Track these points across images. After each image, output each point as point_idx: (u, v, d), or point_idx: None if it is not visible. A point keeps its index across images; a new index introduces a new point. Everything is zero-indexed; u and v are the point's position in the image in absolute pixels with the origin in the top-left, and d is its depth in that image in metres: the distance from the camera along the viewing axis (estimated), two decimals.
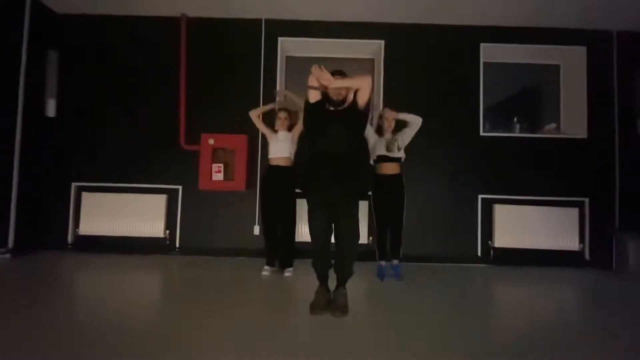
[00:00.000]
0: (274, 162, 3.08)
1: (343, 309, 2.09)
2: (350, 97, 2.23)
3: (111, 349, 1.53)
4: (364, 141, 2.31)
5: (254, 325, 1.89)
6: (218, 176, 3.68)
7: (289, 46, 4.06)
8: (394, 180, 3.03)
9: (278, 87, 3.84)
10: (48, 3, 3.72)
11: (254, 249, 3.64)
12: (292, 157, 3.10)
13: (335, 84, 2.09)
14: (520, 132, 4.04)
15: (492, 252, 3.79)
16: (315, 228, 2.15)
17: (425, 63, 3.95)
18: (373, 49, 4.03)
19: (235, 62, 3.92)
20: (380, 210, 3.06)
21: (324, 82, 2.11)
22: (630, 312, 2.37)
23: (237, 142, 3.70)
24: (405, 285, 2.83)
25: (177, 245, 3.81)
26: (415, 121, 3.05)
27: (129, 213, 3.77)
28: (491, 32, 3.93)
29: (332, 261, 2.24)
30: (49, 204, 3.80)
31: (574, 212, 3.79)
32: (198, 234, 3.81)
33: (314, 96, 2.24)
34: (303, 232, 3.58)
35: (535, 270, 3.55)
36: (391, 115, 3.08)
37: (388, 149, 2.99)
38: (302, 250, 3.17)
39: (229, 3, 3.64)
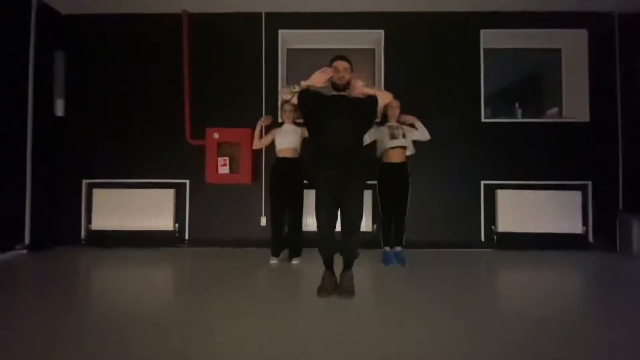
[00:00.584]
0: (281, 155, 3.14)
1: (349, 291, 2.16)
2: (357, 86, 2.28)
3: (129, 339, 1.58)
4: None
5: (264, 310, 1.97)
6: (224, 169, 3.76)
7: (289, 38, 4.09)
8: (399, 168, 3.08)
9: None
10: (53, 4, 3.79)
11: (261, 240, 3.72)
12: (299, 149, 3.16)
13: (362, 89, 2.25)
14: (522, 117, 4.06)
15: (495, 236, 3.84)
16: (322, 215, 2.20)
17: (425, 51, 3.97)
18: (373, 38, 4.06)
19: (236, 56, 3.98)
20: (385, 198, 3.12)
21: (356, 88, 2.26)
22: (636, 292, 2.38)
23: (242, 135, 3.76)
24: (410, 271, 2.89)
25: (187, 237, 3.91)
26: (423, 137, 3.19)
27: (138, 208, 3.87)
28: (491, 18, 3.93)
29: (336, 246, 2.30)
30: (61, 201, 3.92)
31: (577, 195, 3.82)
32: (206, 226, 3.91)
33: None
34: (310, 223, 3.64)
35: (539, 253, 3.60)
36: (408, 120, 3.19)
37: (392, 136, 3.04)
38: (308, 240, 3.24)
39: None
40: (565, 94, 4.20)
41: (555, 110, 4.08)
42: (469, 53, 3.95)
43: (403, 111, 3.22)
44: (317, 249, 2.29)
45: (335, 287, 2.25)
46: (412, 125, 3.17)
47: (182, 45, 3.91)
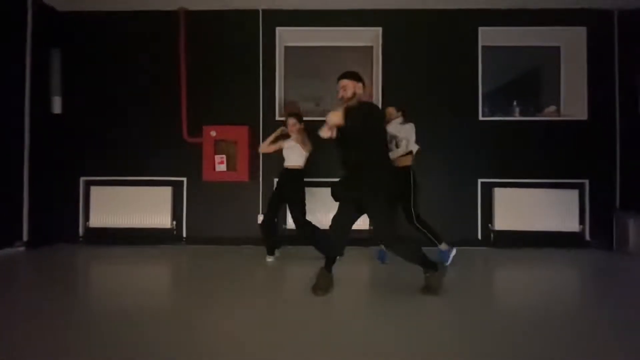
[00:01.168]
0: (285, 165, 3.20)
1: (430, 290, 2.21)
2: (357, 92, 2.23)
3: (125, 335, 1.61)
4: (380, 137, 2.26)
5: (259, 308, 1.99)
6: (221, 167, 3.76)
7: (287, 36, 4.08)
8: (399, 173, 2.92)
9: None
10: (49, 1, 3.78)
11: (258, 238, 3.73)
12: (301, 162, 3.15)
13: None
14: (520, 115, 4.05)
15: (492, 235, 3.85)
16: (336, 220, 2.24)
17: (423, 49, 3.95)
18: (371, 36, 4.04)
19: (234, 54, 3.97)
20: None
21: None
22: (632, 292, 2.39)
23: (239, 133, 3.77)
24: (405, 269, 2.89)
25: (184, 235, 3.93)
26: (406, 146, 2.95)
27: (136, 205, 3.88)
28: (489, 15, 3.91)
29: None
30: (59, 199, 3.93)
31: (574, 193, 3.82)
32: (203, 224, 3.92)
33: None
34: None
35: (536, 252, 3.61)
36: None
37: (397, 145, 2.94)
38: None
39: None
40: (563, 92, 4.19)
41: (553, 108, 4.07)
42: (467, 51, 3.93)
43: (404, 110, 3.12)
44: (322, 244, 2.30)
45: (331, 286, 2.26)
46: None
47: (179, 42, 3.90)
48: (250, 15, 3.94)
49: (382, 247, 3.17)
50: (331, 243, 2.31)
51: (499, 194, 3.83)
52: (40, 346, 1.49)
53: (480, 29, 3.91)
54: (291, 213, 3.16)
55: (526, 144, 3.89)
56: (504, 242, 3.82)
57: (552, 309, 1.98)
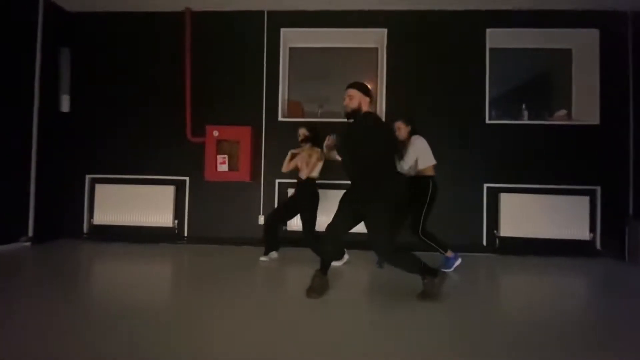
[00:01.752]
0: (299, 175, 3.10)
1: (428, 297, 2.16)
2: (363, 107, 2.19)
3: (124, 329, 1.64)
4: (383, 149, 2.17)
5: (253, 308, 1.96)
6: (223, 167, 3.77)
7: (291, 37, 4.07)
8: (419, 180, 2.89)
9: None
10: (59, 1, 3.86)
11: (258, 238, 3.72)
12: (309, 174, 3.02)
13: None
14: (529, 119, 3.94)
15: (497, 241, 3.74)
16: (333, 224, 2.19)
17: (429, 51, 3.89)
18: (376, 37, 4.00)
19: (238, 55, 3.98)
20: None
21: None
22: None
23: (241, 133, 3.77)
24: (407, 274, 2.83)
25: (185, 234, 3.94)
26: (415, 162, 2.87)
27: (139, 203, 3.91)
28: (498, 17, 3.83)
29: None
30: (65, 195, 3.99)
31: (585, 200, 3.69)
32: (205, 224, 3.93)
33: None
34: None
35: (543, 260, 3.49)
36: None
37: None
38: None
39: None
40: (574, 96, 4.07)
41: (563, 112, 3.95)
42: (474, 53, 3.86)
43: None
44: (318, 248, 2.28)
45: (325, 289, 2.22)
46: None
47: (184, 43, 3.93)
48: (255, 16, 3.95)
49: None
50: (326, 247, 2.28)
51: (505, 199, 3.73)
52: (41, 337, 1.53)
53: (488, 30, 3.83)
54: (302, 226, 3.07)
55: (535, 148, 3.78)
56: (510, 249, 3.71)
57: (557, 323, 1.88)
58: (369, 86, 2.26)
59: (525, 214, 3.69)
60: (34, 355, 1.39)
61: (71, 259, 3.16)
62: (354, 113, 2.19)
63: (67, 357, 1.37)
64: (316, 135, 3.09)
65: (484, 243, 3.77)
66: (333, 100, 4.11)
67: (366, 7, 3.85)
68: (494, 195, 3.78)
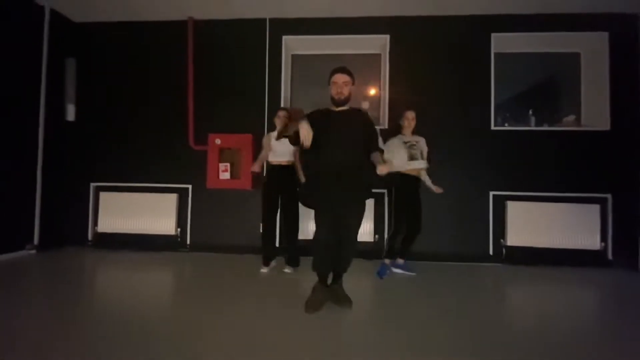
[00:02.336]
0: (274, 162, 3.08)
1: (347, 300, 2.17)
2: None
3: (126, 340, 1.66)
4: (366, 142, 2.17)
5: (253, 320, 1.93)
6: (225, 175, 3.76)
7: (293, 44, 4.06)
8: (418, 181, 3.05)
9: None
10: (65, 13, 3.92)
11: (260, 247, 3.68)
12: (292, 157, 3.07)
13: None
14: (536, 125, 3.85)
15: (504, 250, 3.65)
16: (321, 233, 2.07)
17: (432, 56, 3.84)
18: (379, 43, 3.96)
19: (240, 62, 3.98)
20: (402, 208, 2.99)
21: None
22: None
23: (243, 141, 3.76)
24: (413, 285, 2.78)
25: (188, 242, 3.94)
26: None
27: (142, 211, 3.93)
28: (502, 21, 3.76)
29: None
30: (70, 203, 4.03)
31: (595, 208, 3.58)
32: (207, 232, 3.92)
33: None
34: (307, 230, 3.59)
35: (552, 270, 3.39)
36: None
37: (411, 157, 2.96)
38: (304, 246, 3.18)
39: (234, 4, 3.69)
40: (583, 101, 3.96)
41: (572, 117, 3.85)
42: (478, 58, 3.79)
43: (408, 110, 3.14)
44: (312, 263, 2.18)
45: (325, 302, 2.18)
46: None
47: (187, 52, 3.95)
48: (257, 24, 3.95)
49: (385, 261, 3.06)
50: (320, 260, 2.14)
51: (512, 207, 3.64)
52: (47, 347, 1.57)
53: (493, 35, 3.76)
54: (287, 220, 3.09)
55: (543, 155, 3.69)
56: (517, 258, 3.62)
57: (566, 337, 1.81)
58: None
59: (533, 223, 3.59)
60: None
61: (76, 267, 3.18)
62: (346, 102, 2.14)
63: None
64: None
65: (491, 253, 3.68)
66: None
67: (368, 14, 3.82)
68: (500, 204, 3.69)
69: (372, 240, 3.69)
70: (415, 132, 3.13)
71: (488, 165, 3.72)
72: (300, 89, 4.24)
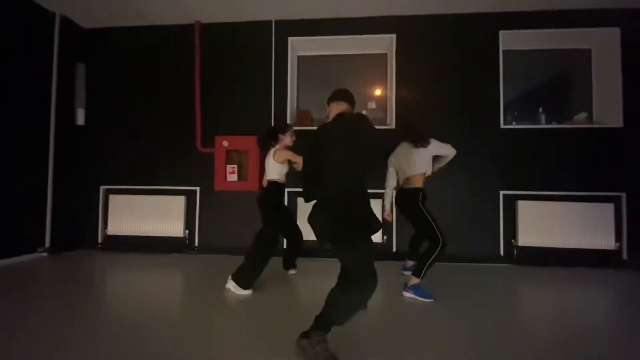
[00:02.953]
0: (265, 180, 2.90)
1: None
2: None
3: (137, 340, 1.68)
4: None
5: (262, 321, 1.92)
6: (232, 177, 3.77)
7: (299, 45, 4.07)
8: (403, 196, 2.73)
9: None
10: (75, 19, 3.99)
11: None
12: (273, 177, 2.84)
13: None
14: (547, 123, 3.79)
15: (515, 251, 3.59)
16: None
17: (439, 55, 3.80)
18: (385, 43, 3.95)
19: (247, 65, 4.00)
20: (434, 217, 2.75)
21: None
22: None
23: (250, 143, 3.76)
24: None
25: (196, 244, 3.95)
26: (450, 154, 2.75)
27: (151, 214, 3.96)
28: (510, 18, 3.71)
29: None
30: (80, 206, 4.08)
31: (609, 207, 3.50)
32: (215, 234, 3.93)
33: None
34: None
35: (565, 271, 3.31)
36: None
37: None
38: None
39: (240, 7, 3.71)
40: (595, 98, 3.88)
41: (583, 115, 3.77)
42: (486, 56, 3.75)
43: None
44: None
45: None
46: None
47: (194, 55, 3.98)
48: (263, 26, 3.97)
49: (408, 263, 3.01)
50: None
51: (522, 207, 3.58)
52: (58, 347, 1.60)
53: (501, 32, 3.72)
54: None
55: (554, 153, 3.63)
56: (529, 259, 3.55)
57: (579, 339, 1.77)
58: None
59: (544, 223, 3.53)
60: None
61: (87, 270, 3.22)
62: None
63: None
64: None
65: (502, 253, 3.62)
66: None
67: (373, 14, 3.81)
68: (511, 203, 3.64)
69: (380, 241, 3.66)
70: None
71: (498, 164, 3.67)
72: (306, 90, 4.24)
